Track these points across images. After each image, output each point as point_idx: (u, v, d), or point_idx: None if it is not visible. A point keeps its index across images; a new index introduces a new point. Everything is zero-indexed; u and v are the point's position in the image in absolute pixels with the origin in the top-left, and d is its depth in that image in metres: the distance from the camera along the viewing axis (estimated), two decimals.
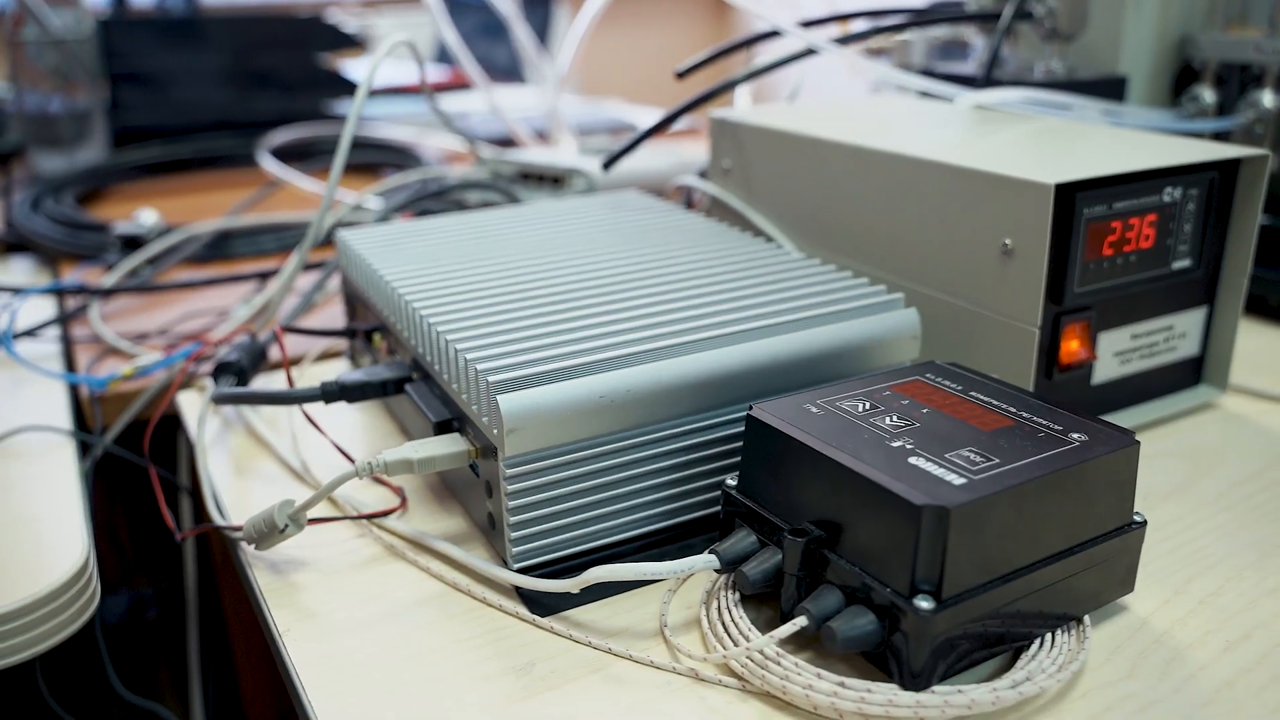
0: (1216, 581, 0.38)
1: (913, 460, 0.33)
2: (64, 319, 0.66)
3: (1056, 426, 0.35)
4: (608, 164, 0.63)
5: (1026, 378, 0.45)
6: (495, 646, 0.36)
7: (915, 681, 0.31)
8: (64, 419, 0.55)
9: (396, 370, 0.47)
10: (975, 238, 0.46)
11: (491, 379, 0.37)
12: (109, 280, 0.71)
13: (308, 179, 0.91)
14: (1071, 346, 0.47)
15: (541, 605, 0.38)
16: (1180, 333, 0.51)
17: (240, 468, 0.49)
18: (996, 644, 0.33)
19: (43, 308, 0.70)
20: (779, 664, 0.32)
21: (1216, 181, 0.49)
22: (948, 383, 0.39)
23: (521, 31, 1.13)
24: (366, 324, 0.53)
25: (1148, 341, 0.50)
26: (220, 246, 0.81)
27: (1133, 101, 0.69)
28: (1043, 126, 0.55)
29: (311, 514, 0.44)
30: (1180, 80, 0.70)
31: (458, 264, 0.49)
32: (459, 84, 1.65)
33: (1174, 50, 0.70)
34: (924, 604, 0.30)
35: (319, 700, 0.33)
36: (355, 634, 0.36)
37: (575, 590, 0.36)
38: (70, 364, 0.63)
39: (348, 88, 1.26)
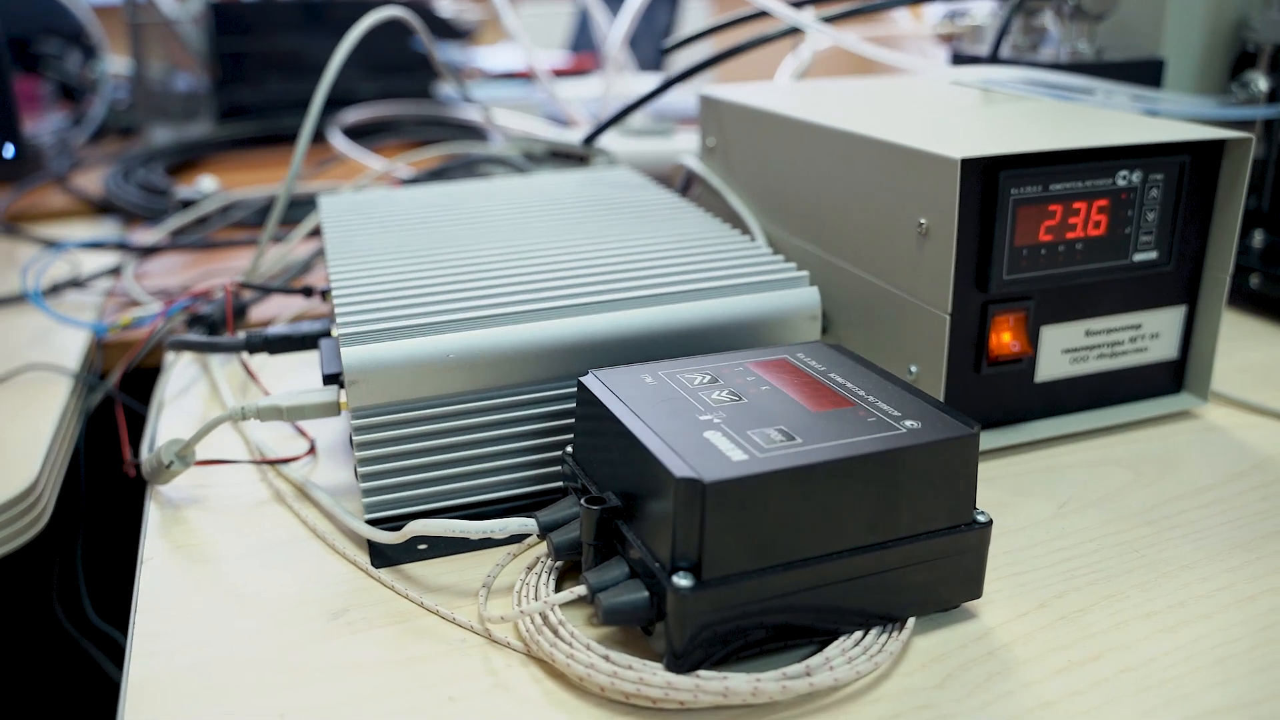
0: (1092, 599, 0.35)
1: (708, 434, 0.31)
2: (107, 272, 0.71)
3: (895, 413, 0.33)
4: (589, 139, 0.63)
5: (940, 366, 0.42)
6: (325, 591, 0.36)
7: (678, 663, 0.30)
8: (74, 362, 0.60)
9: (318, 326, 0.48)
10: (896, 216, 0.44)
11: (342, 332, 0.38)
12: (149, 239, 0.76)
13: (368, 153, 0.94)
14: (1002, 338, 0.44)
15: (384, 557, 0.38)
16: (1151, 333, 0.47)
17: (199, 413, 0.52)
18: (796, 634, 0.31)
19: (109, 261, 0.76)
20: (555, 631, 0.32)
21: (1188, 167, 0.44)
22: (814, 363, 0.37)
23: (601, 18, 1.13)
24: (324, 285, 0.55)
25: (1108, 340, 0.46)
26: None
27: (1178, 87, 0.63)
28: (1023, 107, 0.51)
29: (219, 455, 0.46)
30: (1239, 66, 0.63)
31: (397, 229, 0.50)
32: (580, 69, 1.67)
33: (1232, 33, 0.63)
34: (682, 582, 0.29)
35: (142, 621, 0.35)
36: (208, 567, 0.38)
37: (398, 541, 0.36)
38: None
39: (448, 72, 1.31)
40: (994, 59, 0.61)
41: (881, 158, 0.44)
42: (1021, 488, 0.42)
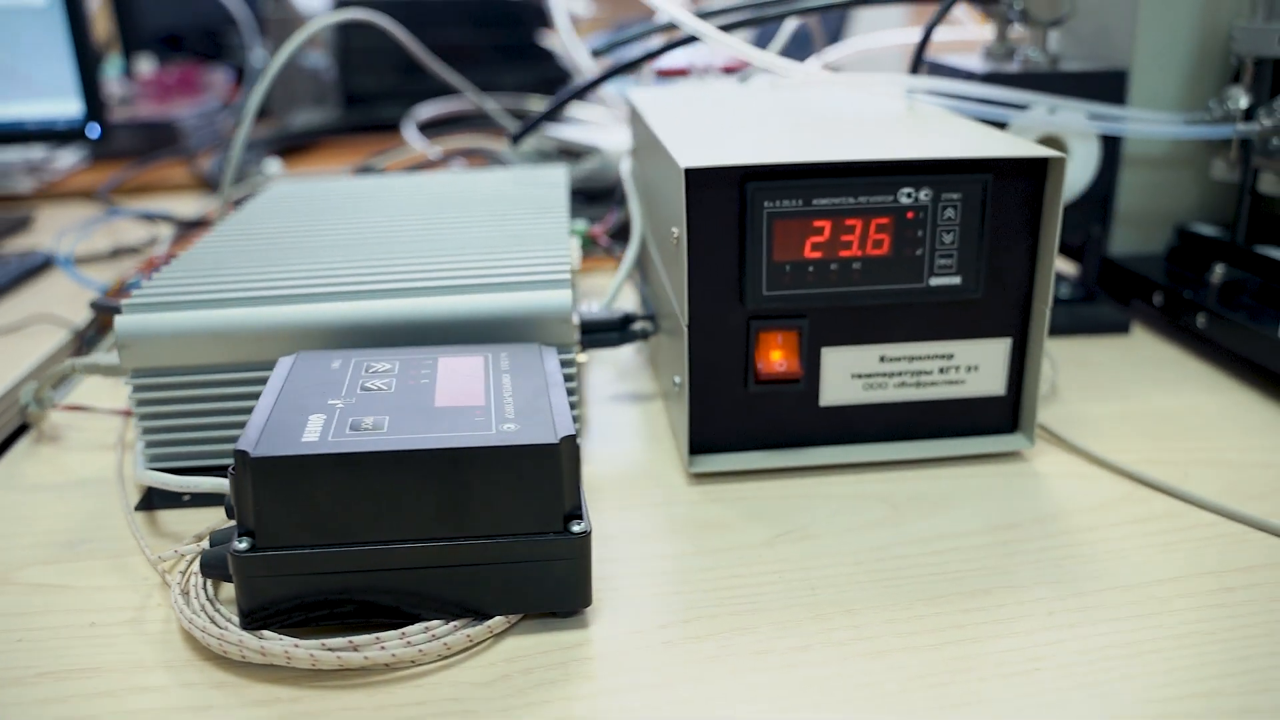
0: (720, 628, 0.34)
1: (313, 416, 0.33)
2: (148, 243, 0.82)
3: (508, 416, 0.33)
4: (515, 139, 0.65)
5: (685, 380, 0.42)
6: (83, 521, 0.42)
7: (245, 619, 0.32)
8: (84, 319, 0.69)
9: None
10: (667, 224, 0.43)
11: (126, 302, 0.42)
12: (194, 213, 0.86)
13: (431, 145, 1.01)
14: (771, 356, 0.42)
15: (148, 503, 0.43)
16: (968, 365, 0.43)
17: None
18: (382, 613, 0.33)
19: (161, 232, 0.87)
20: (182, 576, 0.35)
21: (990, 187, 0.40)
22: (504, 363, 0.38)
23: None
24: None
25: (911, 368, 0.43)
26: None
27: (1159, 101, 0.57)
28: (881, 113, 0.49)
29: (97, 404, 0.53)
30: (1236, 81, 0.56)
31: (298, 214, 0.55)
32: (730, 69, 1.67)
33: (1225, 45, 0.56)
34: (239, 545, 0.31)
35: None
36: (17, 495, 0.44)
37: (141, 490, 0.41)
38: None
39: (553, 65, 1.36)
40: (915, 67, 0.57)
41: (664, 164, 0.43)
42: (758, 511, 0.41)
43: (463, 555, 0.32)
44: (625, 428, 0.49)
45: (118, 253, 0.82)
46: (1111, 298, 0.62)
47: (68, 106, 0.83)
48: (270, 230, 0.52)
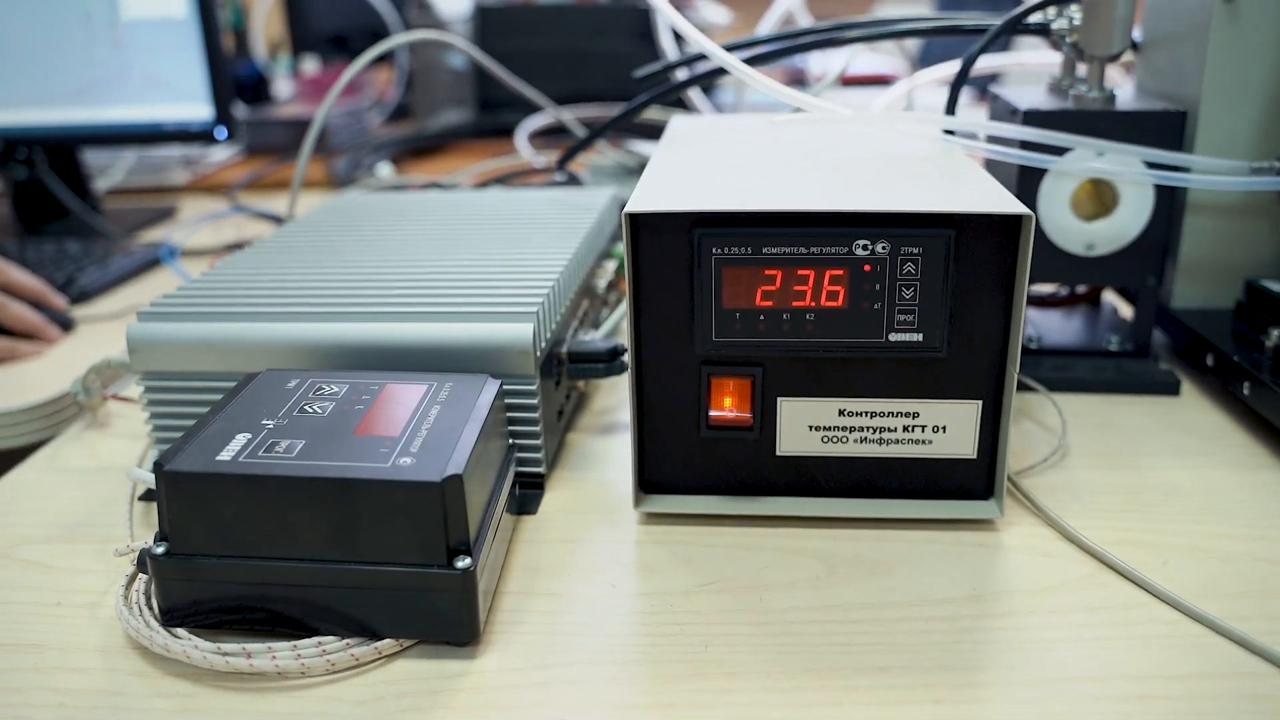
0: (597, 675, 0.34)
1: (240, 434, 0.36)
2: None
3: (411, 450, 0.35)
4: (561, 162, 0.66)
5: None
6: (91, 507, 0.46)
7: (163, 616, 0.35)
8: None
9: None
10: None
11: (141, 309, 0.47)
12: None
13: (534, 153, 1.04)
14: (722, 402, 0.42)
15: (150, 496, 0.47)
16: (935, 425, 0.41)
17: None
18: (288, 624, 0.35)
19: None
20: (132, 568, 0.38)
21: (954, 242, 0.38)
22: (444, 394, 0.39)
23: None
24: None
25: (872, 424, 0.42)
26: None
27: (1233, 148, 0.52)
28: (902, 155, 0.47)
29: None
30: None
31: (340, 231, 0.58)
32: (881, 80, 1.63)
33: None
34: (156, 549, 0.34)
35: None
36: (45, 474, 0.49)
37: (140, 486, 0.45)
38: None
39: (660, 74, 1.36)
40: (952, 107, 0.54)
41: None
42: (692, 557, 0.40)
43: (350, 579, 0.34)
44: (606, 458, 0.49)
45: (230, 248, 0.89)
46: (1177, 356, 0.58)
47: (201, 110, 0.91)
48: (303, 244, 0.55)
